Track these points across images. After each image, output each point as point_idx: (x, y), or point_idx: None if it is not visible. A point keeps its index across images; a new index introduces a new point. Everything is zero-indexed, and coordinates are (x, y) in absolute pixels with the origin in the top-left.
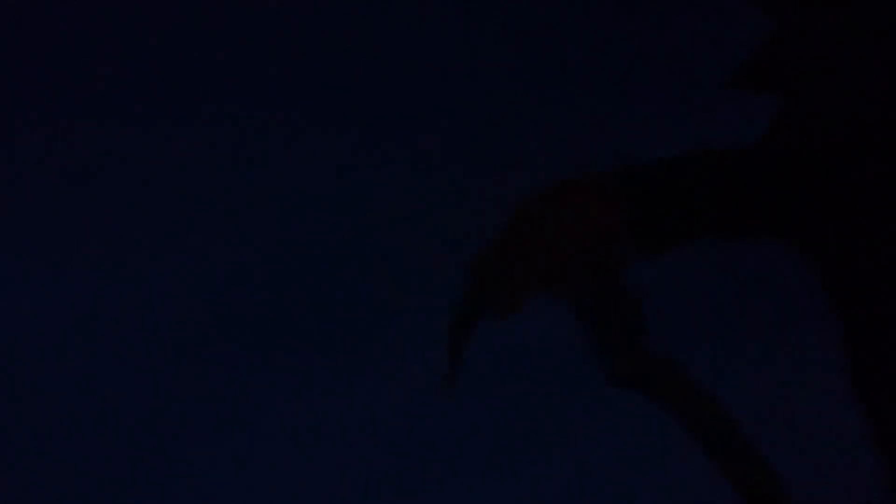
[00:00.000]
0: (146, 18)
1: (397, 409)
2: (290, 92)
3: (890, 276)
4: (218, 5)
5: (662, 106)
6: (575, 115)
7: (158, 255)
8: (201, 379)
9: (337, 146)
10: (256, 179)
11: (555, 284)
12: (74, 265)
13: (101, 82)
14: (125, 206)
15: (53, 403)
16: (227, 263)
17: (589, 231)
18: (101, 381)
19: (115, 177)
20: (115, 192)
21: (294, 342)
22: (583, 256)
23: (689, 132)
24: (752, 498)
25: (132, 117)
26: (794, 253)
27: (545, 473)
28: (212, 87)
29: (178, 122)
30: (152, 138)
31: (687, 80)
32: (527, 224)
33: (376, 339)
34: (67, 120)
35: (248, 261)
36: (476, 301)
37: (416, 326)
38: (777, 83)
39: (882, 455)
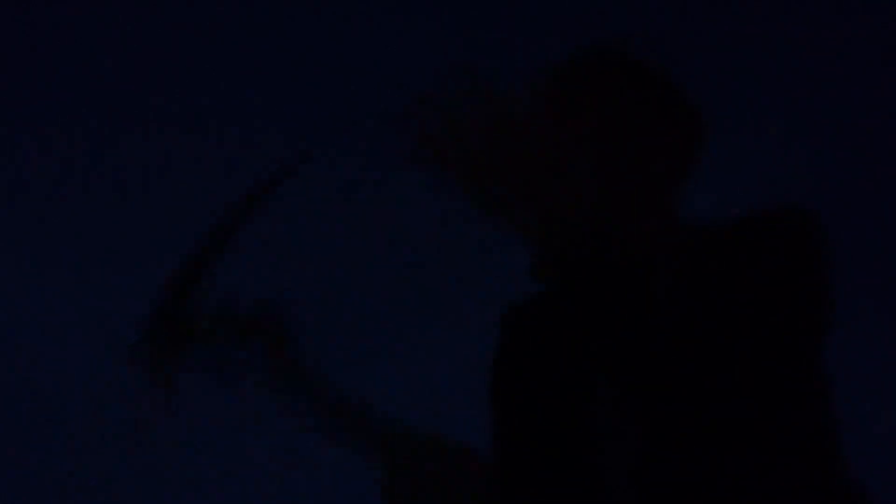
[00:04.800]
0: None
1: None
2: (288, 93)
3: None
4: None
5: None
6: None
7: (157, 259)
8: (192, 389)
9: (335, 148)
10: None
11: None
12: (72, 268)
13: (98, 86)
14: (125, 209)
15: (45, 407)
16: (221, 272)
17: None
18: (95, 385)
19: (114, 180)
20: (114, 194)
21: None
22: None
23: None
24: None
25: (131, 120)
26: None
27: None
28: (208, 90)
29: (178, 124)
30: (152, 141)
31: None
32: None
33: (372, 344)
34: (66, 124)
35: (248, 266)
36: None
37: (413, 336)
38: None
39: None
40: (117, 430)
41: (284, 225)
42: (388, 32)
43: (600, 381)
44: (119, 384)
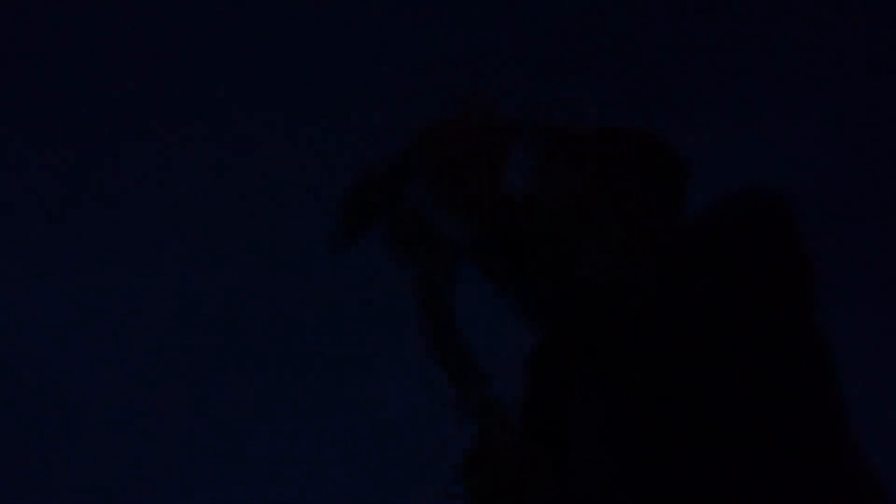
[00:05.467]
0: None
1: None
2: (288, 97)
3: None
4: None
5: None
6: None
7: (157, 260)
8: (193, 390)
9: (332, 153)
10: (251, 190)
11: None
12: (72, 268)
13: (96, 87)
14: (121, 213)
15: (45, 406)
16: (222, 273)
17: None
18: (95, 384)
19: (110, 185)
20: (110, 199)
21: (287, 356)
22: None
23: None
24: None
25: (130, 127)
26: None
27: None
28: (208, 91)
29: (178, 125)
30: (151, 142)
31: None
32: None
33: (368, 353)
34: (66, 131)
35: (244, 269)
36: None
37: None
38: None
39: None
40: (118, 429)
41: (289, 223)
42: (389, 32)
43: (596, 382)
44: (119, 384)
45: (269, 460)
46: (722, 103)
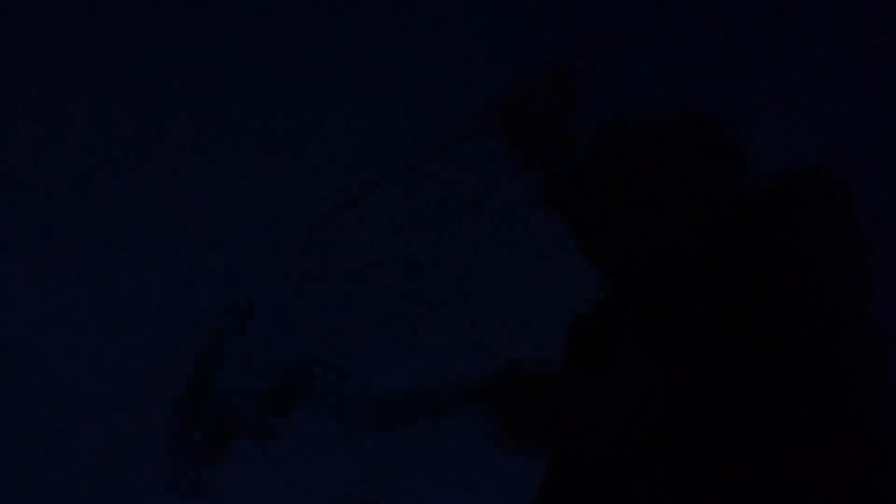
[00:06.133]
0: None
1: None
2: (289, 97)
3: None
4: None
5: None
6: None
7: (156, 259)
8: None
9: (334, 150)
10: (251, 190)
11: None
12: (71, 268)
13: (98, 93)
14: (123, 209)
15: (45, 406)
16: (222, 272)
17: None
18: (91, 386)
19: (112, 180)
20: (112, 194)
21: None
22: None
23: None
24: None
25: (132, 119)
26: None
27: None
28: (208, 90)
29: (177, 123)
30: (151, 142)
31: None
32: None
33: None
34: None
35: (245, 266)
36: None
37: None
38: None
39: None
40: (118, 429)
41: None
42: (392, 30)
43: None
44: (119, 383)
45: (268, 459)
46: (722, 103)
